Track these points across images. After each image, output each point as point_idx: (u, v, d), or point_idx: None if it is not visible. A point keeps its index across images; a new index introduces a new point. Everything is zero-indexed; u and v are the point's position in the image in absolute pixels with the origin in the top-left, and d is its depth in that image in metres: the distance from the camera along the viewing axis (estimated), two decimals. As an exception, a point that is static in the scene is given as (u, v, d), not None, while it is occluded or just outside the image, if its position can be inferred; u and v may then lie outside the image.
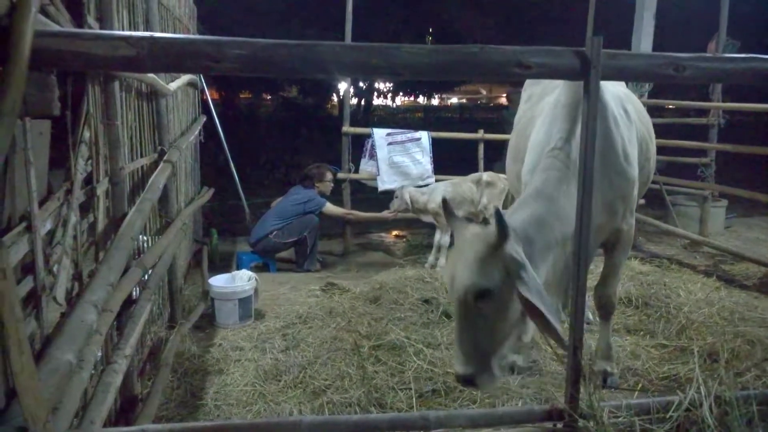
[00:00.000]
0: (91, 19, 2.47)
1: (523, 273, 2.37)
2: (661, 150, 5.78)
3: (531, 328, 2.66)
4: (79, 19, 2.34)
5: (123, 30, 2.94)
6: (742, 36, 7.20)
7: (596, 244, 3.17)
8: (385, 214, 6.53)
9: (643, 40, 6.80)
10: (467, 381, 2.52)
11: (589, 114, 2.05)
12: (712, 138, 6.86)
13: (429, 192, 6.12)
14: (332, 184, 6.55)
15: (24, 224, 1.69)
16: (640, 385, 3.34)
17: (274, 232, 5.92)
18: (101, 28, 2.52)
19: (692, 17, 10.52)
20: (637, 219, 6.65)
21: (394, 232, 7.73)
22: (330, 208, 6.27)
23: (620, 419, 2.21)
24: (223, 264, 5.92)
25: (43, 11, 1.89)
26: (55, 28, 1.84)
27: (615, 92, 3.22)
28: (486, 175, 6.21)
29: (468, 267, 2.41)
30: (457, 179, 6.35)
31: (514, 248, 2.40)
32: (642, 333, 4.11)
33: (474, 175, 6.32)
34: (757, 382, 3.08)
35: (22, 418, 1.42)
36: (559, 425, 2.22)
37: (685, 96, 7.60)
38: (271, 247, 5.96)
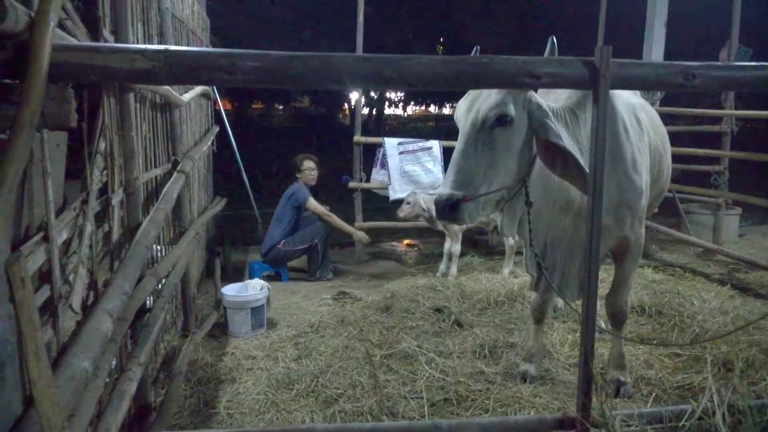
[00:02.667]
0: (106, 33, 2.52)
1: (549, 121, 2.53)
2: (674, 158, 5.74)
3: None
4: (95, 33, 2.39)
5: (137, 43, 2.99)
6: (755, 43, 7.17)
7: (603, 248, 3.16)
8: (359, 236, 6.38)
9: (655, 48, 6.78)
10: (452, 206, 2.50)
11: (599, 123, 2.06)
12: (725, 146, 6.83)
13: None
14: (314, 173, 6.35)
15: (41, 234, 1.72)
16: (653, 395, 3.32)
17: (282, 241, 5.92)
18: (116, 41, 2.57)
19: (704, 25, 10.48)
20: (651, 227, 6.67)
21: (406, 241, 7.74)
22: (313, 203, 6.12)
23: (632, 428, 2.20)
24: (235, 273, 5.95)
25: (61, 26, 1.93)
26: (73, 42, 1.88)
27: (628, 101, 3.22)
28: None
29: (494, 92, 2.55)
30: None
31: (541, 101, 2.60)
32: (655, 342, 4.08)
33: None
34: (772, 392, 3.05)
35: (38, 425, 1.44)
36: (571, 434, 2.22)
37: (697, 104, 7.55)
38: (282, 256, 5.97)
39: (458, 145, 2.62)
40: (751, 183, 9.14)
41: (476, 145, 2.56)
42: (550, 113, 2.63)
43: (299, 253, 6.02)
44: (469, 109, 2.62)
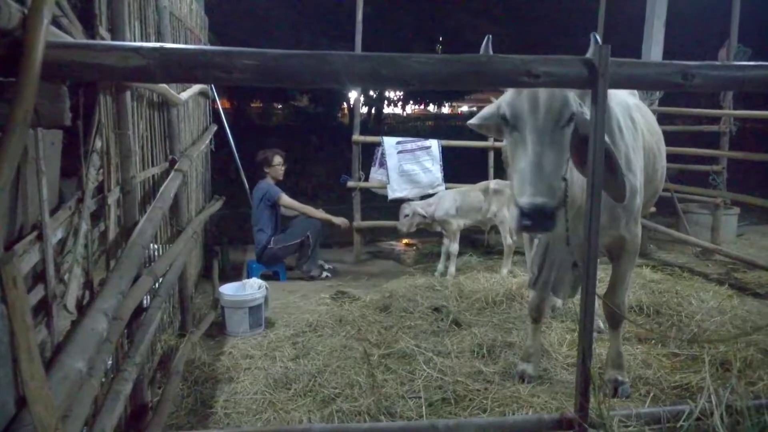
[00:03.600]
0: (103, 31, 2.51)
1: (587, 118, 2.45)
2: (673, 158, 5.76)
3: None
4: (91, 31, 2.37)
5: (135, 41, 2.97)
6: (754, 43, 7.16)
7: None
8: (338, 221, 6.19)
9: (654, 47, 6.77)
10: (548, 214, 2.36)
11: (597, 122, 2.05)
12: (723, 145, 6.82)
13: (436, 201, 6.10)
14: (283, 167, 6.24)
15: (35, 233, 1.71)
16: (651, 394, 3.31)
17: (273, 239, 5.87)
18: (113, 39, 2.56)
19: (703, 24, 10.47)
20: (649, 227, 6.66)
21: (405, 241, 7.73)
22: (285, 199, 5.99)
23: (630, 428, 2.19)
24: (233, 272, 5.94)
25: (56, 23, 1.92)
26: (68, 39, 1.86)
27: (623, 101, 3.21)
28: (494, 183, 6.22)
29: (558, 89, 2.42)
30: (465, 188, 6.35)
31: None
32: (653, 341, 4.07)
33: (481, 184, 6.33)
34: (770, 392, 3.05)
35: (32, 426, 1.43)
36: (569, 434, 2.21)
37: (696, 103, 7.55)
38: (274, 255, 5.91)
39: (531, 146, 2.45)
40: (750, 183, 9.15)
41: (551, 146, 2.44)
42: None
43: (293, 248, 5.95)
44: (534, 107, 2.46)
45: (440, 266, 6.08)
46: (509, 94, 2.55)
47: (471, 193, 6.15)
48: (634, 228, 3.19)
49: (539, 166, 2.39)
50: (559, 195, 2.46)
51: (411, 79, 1.98)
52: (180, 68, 1.80)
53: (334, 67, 1.88)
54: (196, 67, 1.80)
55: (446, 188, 6.75)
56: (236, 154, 7.19)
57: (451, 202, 6.03)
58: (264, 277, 5.37)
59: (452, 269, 5.92)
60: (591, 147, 2.06)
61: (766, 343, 3.86)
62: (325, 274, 6.12)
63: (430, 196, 6.44)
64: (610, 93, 2.92)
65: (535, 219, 2.36)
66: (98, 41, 2.24)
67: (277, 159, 6.18)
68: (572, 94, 2.50)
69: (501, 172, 7.37)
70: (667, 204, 7.05)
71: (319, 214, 6.17)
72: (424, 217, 5.95)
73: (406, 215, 5.93)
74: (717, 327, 4.20)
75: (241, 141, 7.68)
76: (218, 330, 4.42)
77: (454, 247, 5.99)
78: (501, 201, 5.99)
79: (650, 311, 4.56)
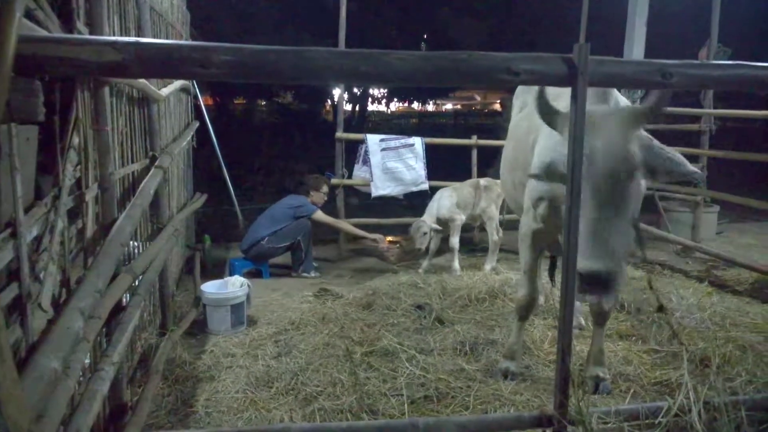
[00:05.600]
0: (81, 25, 2.46)
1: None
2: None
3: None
4: (69, 25, 2.33)
5: (114, 36, 2.93)
6: (734, 43, 7.24)
7: None
8: (373, 237, 6.40)
9: (635, 47, 6.83)
10: (606, 280, 2.27)
11: (577, 120, 2.06)
12: (703, 144, 6.89)
13: (436, 205, 6.17)
14: (326, 197, 6.46)
15: (9, 230, 1.67)
16: (631, 391, 3.34)
17: (267, 238, 5.89)
18: (91, 33, 2.51)
19: (685, 24, 10.57)
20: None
21: (388, 238, 7.72)
22: (320, 215, 6.19)
23: (609, 425, 2.20)
24: (215, 270, 5.90)
25: (32, 17, 1.88)
26: (43, 33, 1.83)
27: (625, 101, 3.25)
28: (483, 181, 6.38)
29: (625, 140, 2.34)
30: (457, 184, 6.41)
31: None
32: (634, 338, 4.11)
33: (472, 181, 6.48)
34: (747, 387, 3.08)
35: (3, 427, 1.40)
36: (549, 431, 2.22)
37: (678, 102, 7.61)
38: (264, 252, 5.93)
39: (593, 205, 2.32)
40: (729, 181, 9.26)
41: (613, 202, 2.33)
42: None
43: (282, 250, 5.99)
44: (593, 156, 2.33)
45: (425, 263, 6.10)
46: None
47: (464, 189, 6.27)
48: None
49: (597, 227, 2.29)
50: (624, 253, 2.35)
51: (391, 75, 1.97)
52: (156, 63, 1.77)
53: (314, 63, 1.87)
54: (173, 62, 1.78)
55: (429, 186, 6.80)
56: (219, 151, 7.14)
57: (450, 198, 6.18)
58: (247, 275, 5.35)
59: (456, 264, 5.99)
60: (570, 146, 2.07)
61: (744, 340, 3.91)
62: (314, 273, 6.14)
63: (427, 198, 6.51)
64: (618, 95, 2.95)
65: (597, 285, 2.30)
66: (72, 35, 2.20)
67: (325, 188, 6.39)
68: (634, 140, 2.38)
69: (484, 170, 7.43)
70: (648, 202, 7.09)
71: (355, 230, 6.39)
72: (440, 229, 6.07)
73: (425, 233, 5.99)
74: (696, 324, 4.24)
75: (224, 138, 7.63)
76: (200, 328, 4.39)
77: (455, 241, 6.05)
78: (490, 197, 6.15)
79: (631, 308, 4.59)
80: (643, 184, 2.53)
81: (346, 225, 6.45)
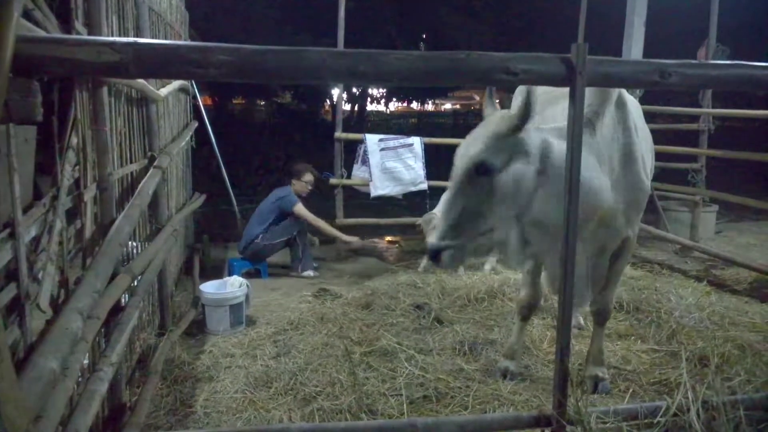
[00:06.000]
0: (79, 25, 2.46)
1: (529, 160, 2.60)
2: (651, 155, 5.78)
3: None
4: (67, 25, 2.33)
5: (113, 36, 2.93)
6: (732, 42, 7.24)
7: (611, 250, 3.19)
8: (349, 239, 6.17)
9: (634, 46, 6.82)
10: (434, 255, 2.68)
11: (575, 120, 2.06)
12: (702, 143, 6.89)
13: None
14: (310, 187, 6.30)
15: (7, 231, 1.67)
16: (630, 390, 3.34)
17: (260, 236, 5.87)
18: (90, 34, 2.51)
19: (683, 24, 10.57)
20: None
21: (387, 238, 7.72)
22: (300, 209, 5.98)
23: (608, 425, 2.21)
24: (214, 270, 5.90)
25: (30, 17, 1.88)
26: (39, 33, 1.83)
27: (635, 102, 3.27)
28: None
29: (479, 139, 2.62)
30: None
31: (535, 137, 2.62)
32: (633, 338, 4.11)
33: None
34: (746, 387, 3.08)
35: (2, 428, 1.40)
36: (547, 431, 2.22)
37: (677, 102, 7.61)
38: (260, 250, 5.90)
39: (449, 190, 2.71)
40: (728, 181, 9.27)
41: (463, 192, 2.64)
42: (536, 155, 2.63)
43: (278, 246, 5.96)
44: (458, 155, 2.69)
45: (425, 262, 6.08)
46: None
47: None
48: (637, 228, 3.29)
49: (446, 210, 2.69)
50: (472, 241, 2.72)
51: (389, 75, 1.97)
52: (154, 64, 1.77)
53: (312, 63, 1.87)
54: (171, 63, 1.78)
55: (429, 186, 6.78)
56: (217, 151, 7.14)
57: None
58: (246, 275, 5.35)
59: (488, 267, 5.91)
60: (568, 146, 2.07)
61: (743, 339, 3.91)
62: (313, 273, 6.11)
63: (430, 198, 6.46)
64: (624, 93, 2.97)
65: (431, 258, 2.76)
66: (70, 35, 2.20)
67: (308, 176, 6.25)
68: (498, 145, 2.58)
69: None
70: (647, 201, 7.10)
71: (333, 231, 6.20)
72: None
73: (434, 227, 5.93)
74: (695, 323, 4.25)
75: (223, 138, 7.63)
76: (198, 328, 4.39)
77: None
78: None
79: (630, 308, 4.60)
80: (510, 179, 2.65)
81: (324, 224, 6.17)
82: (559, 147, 2.51)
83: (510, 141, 2.58)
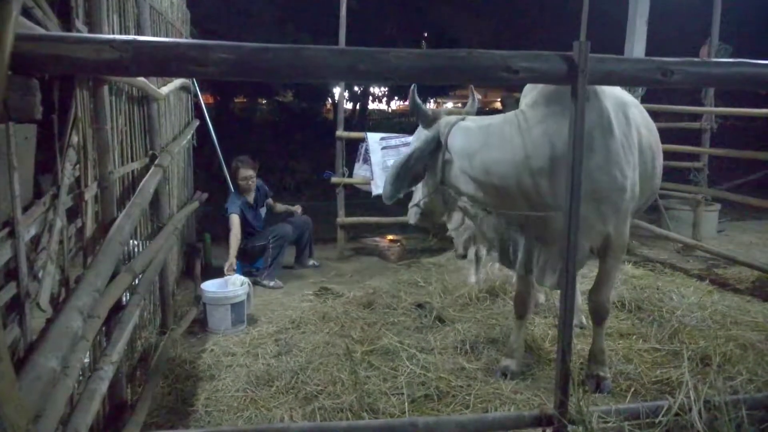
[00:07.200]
0: (80, 24, 2.46)
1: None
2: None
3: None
4: (67, 24, 2.33)
5: (114, 34, 2.92)
6: (735, 41, 7.21)
7: (585, 243, 3.16)
8: (229, 262, 5.31)
9: (636, 45, 6.81)
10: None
11: (578, 118, 2.05)
12: (704, 142, 6.87)
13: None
14: (251, 182, 5.82)
15: (7, 230, 1.67)
16: (632, 389, 3.33)
17: (244, 240, 5.67)
18: (90, 32, 2.51)
19: (686, 22, 10.55)
20: (631, 223, 6.68)
21: (389, 237, 7.71)
22: (232, 221, 5.54)
23: (610, 424, 2.20)
24: (216, 269, 5.88)
25: (31, 15, 1.88)
26: (39, 31, 1.82)
27: (620, 98, 3.23)
28: None
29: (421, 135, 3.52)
30: None
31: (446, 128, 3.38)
32: (635, 337, 4.10)
33: None
34: (748, 386, 3.08)
35: (1, 427, 1.40)
36: (549, 431, 2.21)
37: (679, 100, 7.58)
38: (250, 252, 5.78)
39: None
40: (730, 179, 9.25)
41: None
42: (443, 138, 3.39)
43: (259, 249, 5.79)
44: None
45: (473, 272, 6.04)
46: None
47: None
48: (622, 227, 3.20)
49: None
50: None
51: (389, 73, 1.96)
52: (153, 61, 1.77)
53: (312, 61, 1.86)
54: (170, 61, 1.77)
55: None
56: (219, 150, 7.13)
57: None
58: (247, 274, 5.34)
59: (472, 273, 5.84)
60: (570, 141, 2.06)
61: (745, 339, 3.90)
62: (274, 284, 5.70)
63: None
64: (601, 88, 2.95)
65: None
66: (69, 33, 2.19)
67: (243, 172, 5.78)
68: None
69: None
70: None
71: (231, 250, 5.45)
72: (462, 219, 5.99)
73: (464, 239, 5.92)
74: (697, 323, 4.24)
75: (225, 136, 7.61)
76: (200, 327, 4.39)
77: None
78: None
79: (632, 307, 4.58)
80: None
81: (232, 244, 5.46)
82: (458, 131, 3.29)
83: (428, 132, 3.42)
